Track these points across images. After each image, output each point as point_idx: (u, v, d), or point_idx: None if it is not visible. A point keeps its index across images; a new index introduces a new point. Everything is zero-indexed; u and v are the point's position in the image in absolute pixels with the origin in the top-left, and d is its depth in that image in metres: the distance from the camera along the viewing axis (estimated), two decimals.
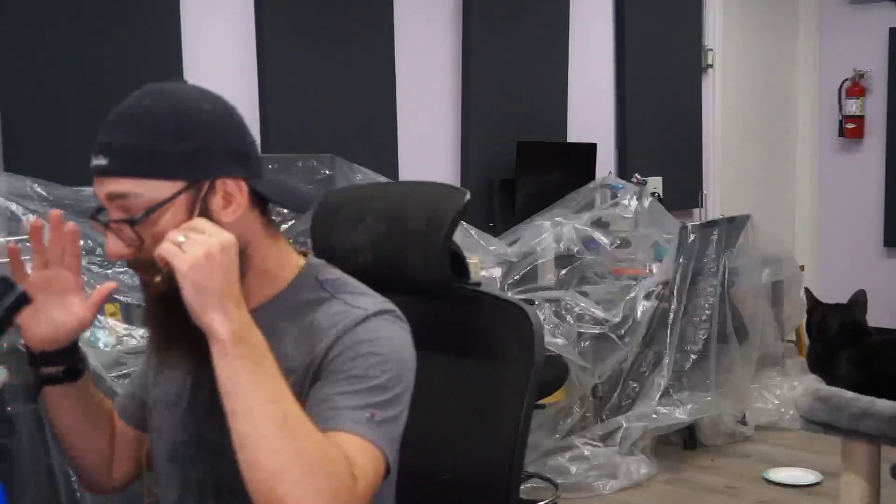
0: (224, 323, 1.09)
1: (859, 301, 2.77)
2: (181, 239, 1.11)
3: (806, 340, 3.37)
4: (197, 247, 1.10)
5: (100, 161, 1.17)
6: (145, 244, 1.18)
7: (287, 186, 1.28)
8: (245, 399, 1.09)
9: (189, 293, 1.09)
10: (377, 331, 1.21)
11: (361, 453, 1.13)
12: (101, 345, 2.45)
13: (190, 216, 1.17)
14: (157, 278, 1.18)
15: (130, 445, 1.43)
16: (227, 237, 1.12)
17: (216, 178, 1.18)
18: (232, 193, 1.19)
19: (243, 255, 1.19)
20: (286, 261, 1.29)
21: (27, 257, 1.29)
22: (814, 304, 2.87)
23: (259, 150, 1.26)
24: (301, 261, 1.31)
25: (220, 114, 1.21)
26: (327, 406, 1.15)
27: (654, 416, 3.86)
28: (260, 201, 1.24)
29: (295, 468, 1.06)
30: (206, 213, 1.18)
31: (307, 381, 1.20)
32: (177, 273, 1.10)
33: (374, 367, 1.18)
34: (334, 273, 1.31)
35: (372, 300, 1.26)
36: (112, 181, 1.17)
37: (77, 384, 1.34)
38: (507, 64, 4.45)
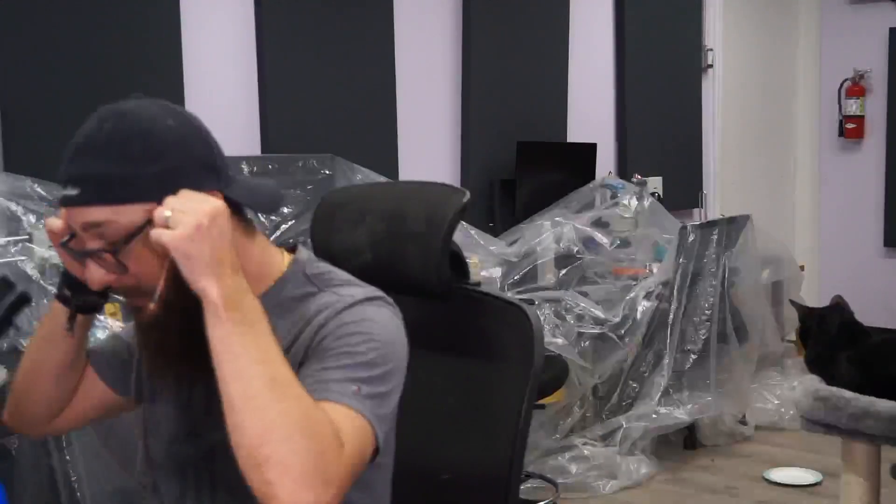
0: (216, 288, 1.10)
1: (843, 302, 2.77)
2: (167, 214, 1.11)
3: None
4: (185, 219, 1.10)
5: (70, 192, 1.16)
6: (129, 270, 1.17)
7: (256, 186, 1.27)
8: (234, 361, 1.09)
9: (181, 264, 1.10)
10: (364, 313, 1.22)
11: (347, 422, 1.13)
12: None
13: None
14: (148, 302, 1.18)
15: (90, 396, 1.42)
16: (215, 205, 1.13)
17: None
18: None
19: None
20: (270, 260, 1.29)
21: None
22: (805, 312, 2.87)
23: (224, 154, 1.25)
24: (287, 258, 1.31)
25: (186, 128, 1.20)
26: (313, 381, 1.15)
27: (654, 416, 3.86)
28: (235, 205, 1.22)
29: (281, 427, 1.06)
30: None
31: (295, 366, 1.19)
32: (168, 249, 1.10)
33: (360, 344, 1.18)
34: (322, 267, 1.31)
35: (361, 289, 1.26)
36: (86, 210, 1.15)
37: (92, 319, 1.35)
38: (507, 64, 4.45)
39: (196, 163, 1.18)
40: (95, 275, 1.18)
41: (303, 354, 1.20)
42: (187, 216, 1.10)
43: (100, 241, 1.16)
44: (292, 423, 1.07)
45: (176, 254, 1.10)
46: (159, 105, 1.21)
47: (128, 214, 1.14)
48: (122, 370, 1.41)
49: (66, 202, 1.17)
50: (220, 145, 1.24)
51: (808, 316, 2.80)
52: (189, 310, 1.17)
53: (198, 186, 1.17)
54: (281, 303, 1.25)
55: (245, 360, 1.09)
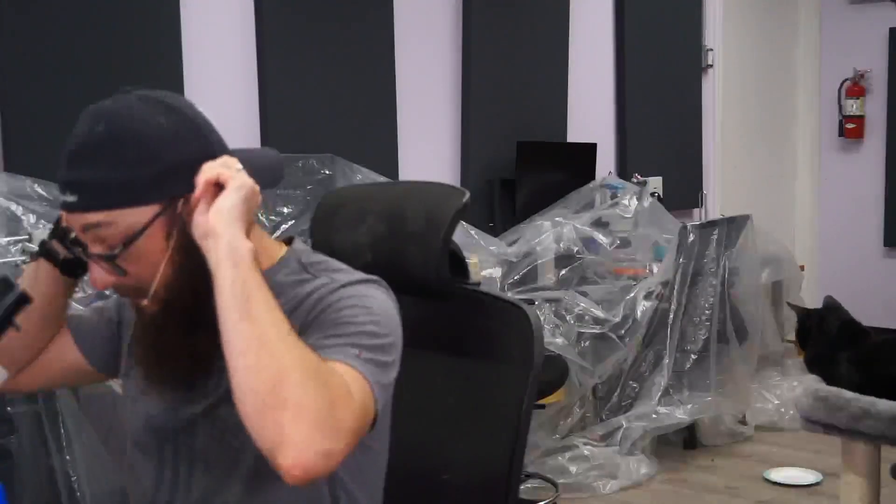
0: (245, 241, 1.13)
1: (833, 305, 2.78)
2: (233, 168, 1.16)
3: None
4: (247, 179, 1.16)
5: (69, 198, 1.17)
6: (129, 272, 1.18)
7: (255, 161, 1.29)
8: (255, 305, 1.09)
9: (229, 200, 1.13)
10: (360, 291, 1.23)
11: (352, 381, 1.13)
12: None
13: (168, 234, 1.17)
14: (145, 301, 1.19)
15: (62, 358, 1.41)
16: (257, 188, 1.18)
17: (189, 191, 1.16)
18: None
19: None
20: (266, 250, 1.29)
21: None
22: (803, 313, 2.87)
23: (221, 136, 1.25)
24: (283, 249, 1.31)
25: (178, 124, 1.19)
26: (315, 347, 1.14)
27: (654, 416, 3.86)
28: None
29: (298, 370, 1.06)
30: (185, 227, 1.17)
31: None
32: (231, 183, 1.14)
33: (359, 315, 1.19)
34: (318, 257, 1.32)
35: (356, 274, 1.27)
36: (85, 215, 1.17)
37: (76, 283, 1.35)
38: (507, 64, 4.45)
39: (192, 159, 1.17)
40: (98, 276, 1.20)
41: (297, 331, 1.20)
42: (246, 179, 1.16)
43: (100, 243, 1.18)
44: (307, 369, 1.07)
45: (237, 189, 1.14)
46: (149, 101, 1.20)
47: (126, 218, 1.15)
48: (100, 341, 1.42)
49: (66, 207, 1.19)
50: (215, 129, 1.24)
51: (806, 317, 2.81)
52: (188, 311, 1.18)
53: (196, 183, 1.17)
54: (274, 285, 1.24)
55: (264, 307, 1.10)
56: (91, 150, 1.15)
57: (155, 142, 1.16)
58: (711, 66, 5.69)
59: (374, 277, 1.27)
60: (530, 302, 3.57)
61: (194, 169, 1.17)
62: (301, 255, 1.31)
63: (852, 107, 6.14)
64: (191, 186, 1.16)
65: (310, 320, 1.20)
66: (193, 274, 1.16)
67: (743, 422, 4.33)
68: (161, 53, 3.18)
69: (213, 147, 1.21)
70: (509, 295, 1.91)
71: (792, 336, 5.18)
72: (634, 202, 4.34)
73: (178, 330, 1.20)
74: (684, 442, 4.18)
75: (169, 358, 1.22)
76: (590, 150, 4.73)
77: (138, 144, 1.15)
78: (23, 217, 2.57)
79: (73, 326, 1.42)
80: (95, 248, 1.19)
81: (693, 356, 4.02)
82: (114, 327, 1.42)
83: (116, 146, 1.15)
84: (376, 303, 1.22)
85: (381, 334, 1.19)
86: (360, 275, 1.27)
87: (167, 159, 1.16)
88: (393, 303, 1.26)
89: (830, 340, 2.75)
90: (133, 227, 1.15)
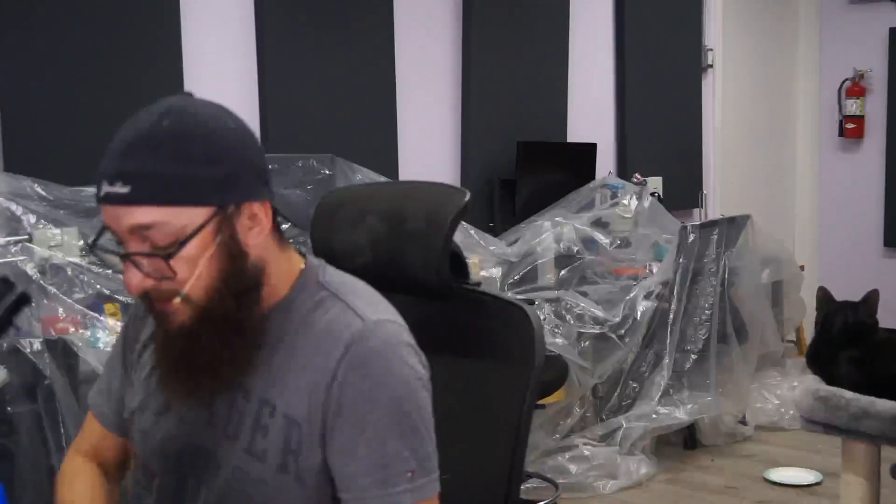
0: None
1: (870, 300, 2.77)
2: None
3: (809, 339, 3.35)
4: None
5: (119, 189, 1.08)
6: (177, 275, 1.11)
7: (289, 198, 1.26)
8: None
9: None
10: (384, 357, 1.18)
11: None
12: (100, 345, 2.45)
13: (215, 238, 1.12)
14: (177, 300, 1.13)
15: (120, 450, 1.40)
16: None
17: (244, 201, 1.14)
18: (257, 214, 1.15)
19: (262, 273, 1.18)
20: (291, 267, 1.25)
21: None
22: (827, 303, 2.86)
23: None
24: (301, 263, 1.27)
25: (245, 133, 1.16)
26: (367, 478, 1.15)
27: (654, 416, 3.86)
28: (274, 215, 1.20)
29: None
30: (233, 237, 1.13)
31: (321, 409, 1.17)
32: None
33: (393, 408, 1.16)
34: (333, 274, 1.28)
35: (371, 307, 1.23)
36: (135, 210, 1.08)
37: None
38: (507, 64, 4.45)
39: (253, 169, 1.15)
40: (134, 280, 1.12)
41: (325, 390, 1.17)
42: None
43: (144, 243, 1.11)
44: None
45: None
46: (220, 108, 1.17)
47: (180, 217, 1.09)
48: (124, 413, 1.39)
49: (113, 200, 1.09)
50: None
51: (826, 307, 2.79)
52: (228, 317, 1.14)
53: (252, 195, 1.14)
54: (296, 313, 1.22)
55: None
56: (155, 142, 1.09)
57: (223, 144, 1.12)
58: (711, 66, 5.70)
59: (388, 316, 1.23)
60: (530, 302, 3.57)
61: (254, 178, 1.15)
62: (317, 274, 1.26)
63: (852, 107, 6.14)
64: (249, 195, 1.14)
65: (338, 387, 1.16)
66: (237, 279, 1.14)
67: (743, 422, 4.34)
68: (161, 53, 3.18)
69: (266, 166, 1.18)
70: (509, 295, 1.91)
71: (792, 336, 5.20)
72: (634, 202, 4.34)
73: (216, 336, 1.14)
74: (684, 442, 4.18)
75: (198, 370, 1.16)
76: (590, 150, 4.73)
77: (208, 143, 1.11)
78: (23, 217, 2.58)
79: (112, 424, 1.39)
80: (138, 249, 1.11)
81: (693, 356, 4.02)
82: (124, 380, 1.37)
83: (184, 141, 1.09)
84: (401, 374, 1.18)
85: (420, 407, 1.18)
86: (376, 310, 1.22)
87: (232, 163, 1.12)
88: (411, 343, 1.22)
89: (832, 338, 2.76)
90: (185, 228, 1.09)
